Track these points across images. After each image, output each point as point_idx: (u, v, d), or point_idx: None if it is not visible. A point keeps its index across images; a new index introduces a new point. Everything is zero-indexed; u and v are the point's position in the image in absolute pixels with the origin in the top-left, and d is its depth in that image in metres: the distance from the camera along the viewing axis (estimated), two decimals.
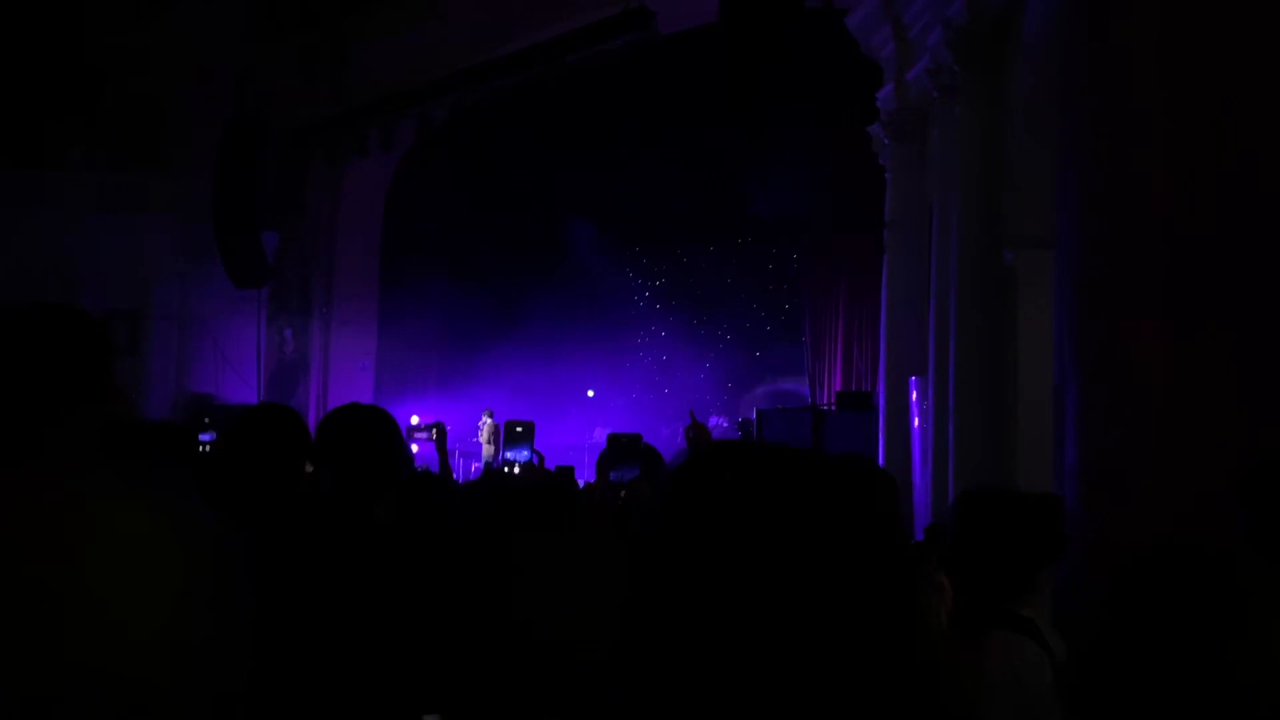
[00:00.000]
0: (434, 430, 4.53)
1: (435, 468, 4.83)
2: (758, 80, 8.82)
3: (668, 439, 17.67)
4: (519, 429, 14.16)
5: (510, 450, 13.67)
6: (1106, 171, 4.37)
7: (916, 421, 11.02)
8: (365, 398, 16.06)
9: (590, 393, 20.76)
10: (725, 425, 18.58)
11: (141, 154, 17.55)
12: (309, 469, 2.65)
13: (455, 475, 15.23)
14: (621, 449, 3.21)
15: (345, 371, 18.21)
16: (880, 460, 11.79)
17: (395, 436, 2.45)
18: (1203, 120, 4.15)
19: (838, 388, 15.42)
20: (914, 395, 11.10)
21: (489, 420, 16.64)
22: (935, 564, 6.57)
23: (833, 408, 13.72)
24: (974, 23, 9.38)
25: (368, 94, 15.62)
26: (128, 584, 1.21)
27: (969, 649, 2.28)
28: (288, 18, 17.25)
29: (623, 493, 3.17)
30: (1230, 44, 4.10)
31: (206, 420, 8.33)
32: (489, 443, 16.39)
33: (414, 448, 12.75)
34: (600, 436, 18.36)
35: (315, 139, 16.29)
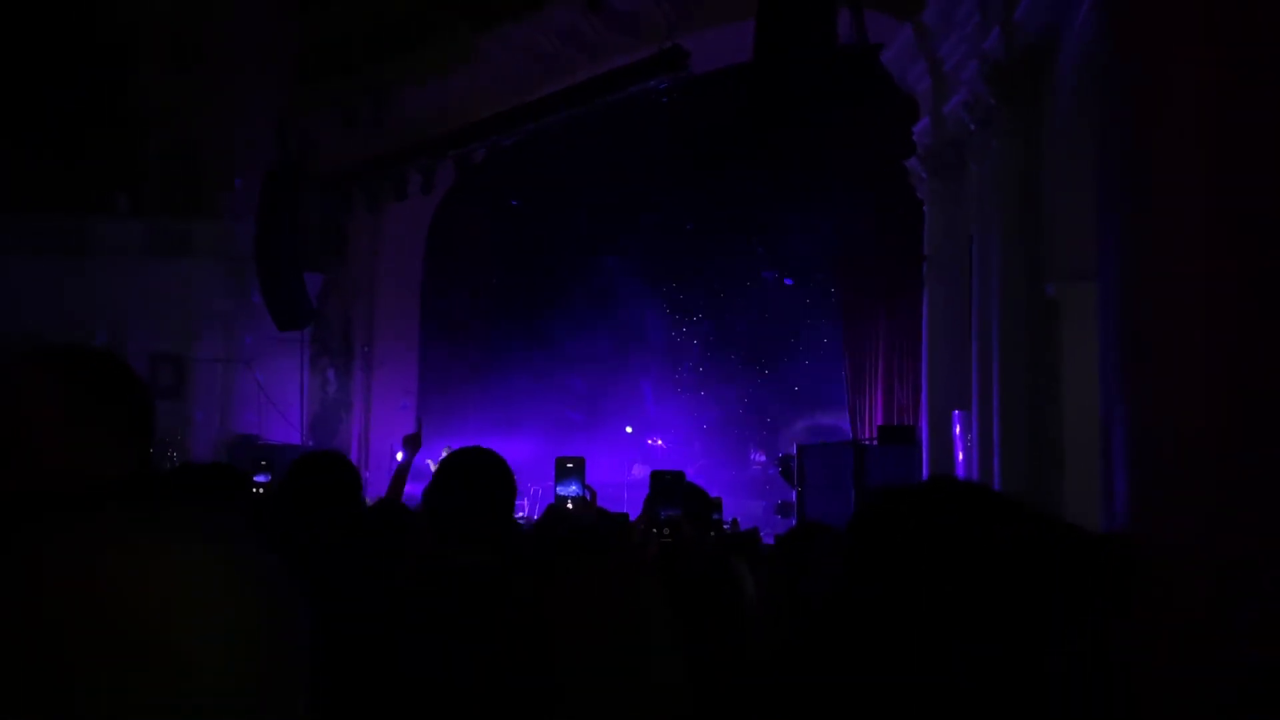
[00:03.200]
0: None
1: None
2: (792, 117, 8.86)
3: (706, 474, 17.60)
4: (569, 464, 14.13)
5: (561, 486, 13.63)
6: (1147, 201, 4.33)
7: (960, 456, 10.89)
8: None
9: (629, 429, 20.75)
10: (764, 461, 18.47)
11: (187, 200, 17.92)
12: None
13: (524, 511, 15.19)
14: (665, 487, 3.18)
15: (387, 411, 18.36)
16: None
17: (506, 483, 2.42)
18: (1247, 147, 4.11)
19: (879, 422, 15.30)
20: (957, 429, 10.98)
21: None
22: None
23: (874, 442, 13.59)
24: (1010, 56, 9.37)
25: (407, 137, 15.86)
26: (202, 624, 1.23)
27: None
28: (327, 64, 17.60)
29: (666, 531, 3.15)
30: (1276, 71, 4.06)
31: (263, 463, 8.38)
32: None
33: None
34: (639, 474, 18.32)
35: (356, 182, 16.56)
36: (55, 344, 1.57)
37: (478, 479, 2.34)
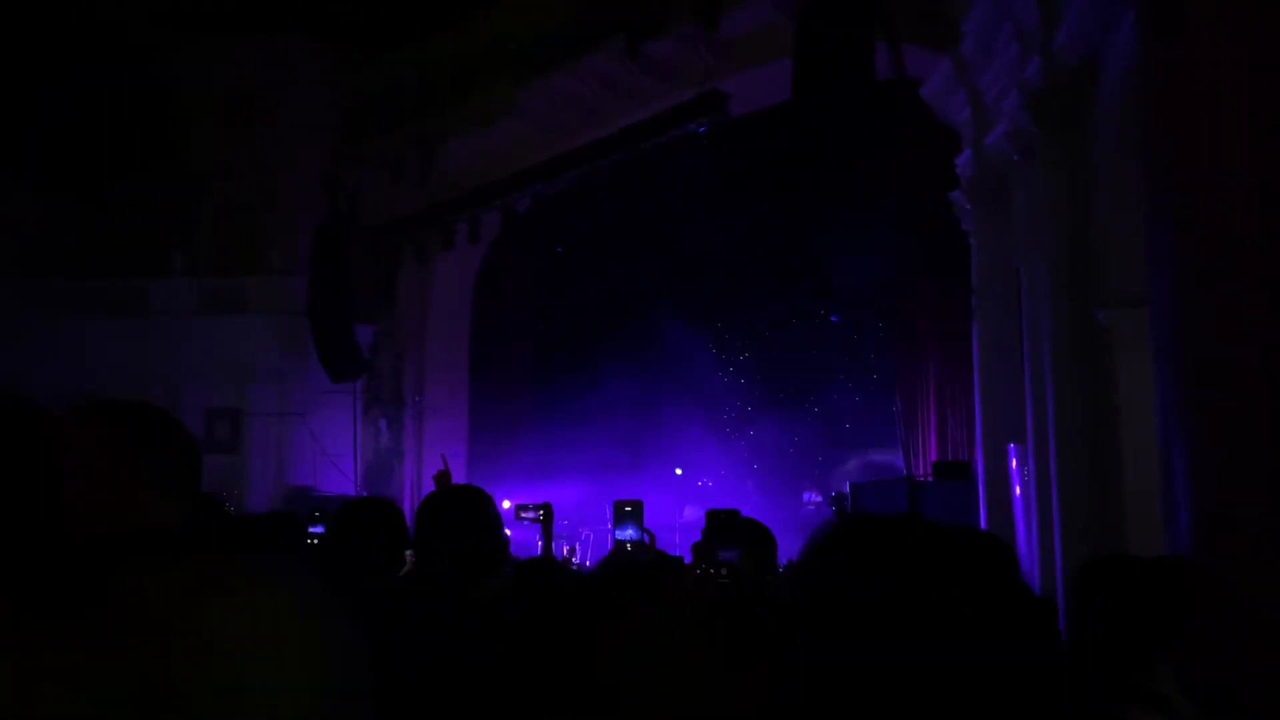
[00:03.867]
0: (541, 510, 4.52)
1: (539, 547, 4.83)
2: (833, 155, 8.89)
3: (759, 515, 17.44)
4: (628, 508, 14.07)
5: (619, 530, 13.56)
6: (1196, 224, 4.28)
7: (1018, 490, 10.71)
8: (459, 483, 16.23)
9: (678, 471, 20.68)
10: (819, 500, 18.30)
11: (240, 257, 18.33)
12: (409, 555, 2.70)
13: (579, 556, 15.14)
14: (721, 526, 3.17)
15: (438, 459, 18.48)
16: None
17: (487, 514, 2.48)
18: None
19: (933, 458, 15.11)
20: (1014, 463, 10.81)
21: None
22: None
23: (930, 478, 13.42)
24: (1051, 84, 9.33)
25: (453, 189, 16.13)
26: (276, 662, 1.31)
27: None
28: (374, 121, 17.99)
29: (724, 571, 3.13)
30: None
31: (317, 514, 8.48)
32: None
33: (508, 530, 12.76)
34: (691, 516, 18.23)
35: (404, 234, 16.84)
36: (99, 400, 1.65)
37: (456, 514, 2.38)
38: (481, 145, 16.48)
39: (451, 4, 16.66)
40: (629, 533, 14.20)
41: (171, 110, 18.75)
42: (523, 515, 13.74)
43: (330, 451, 17.51)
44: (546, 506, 4.84)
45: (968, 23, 10.93)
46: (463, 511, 2.44)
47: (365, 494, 16.74)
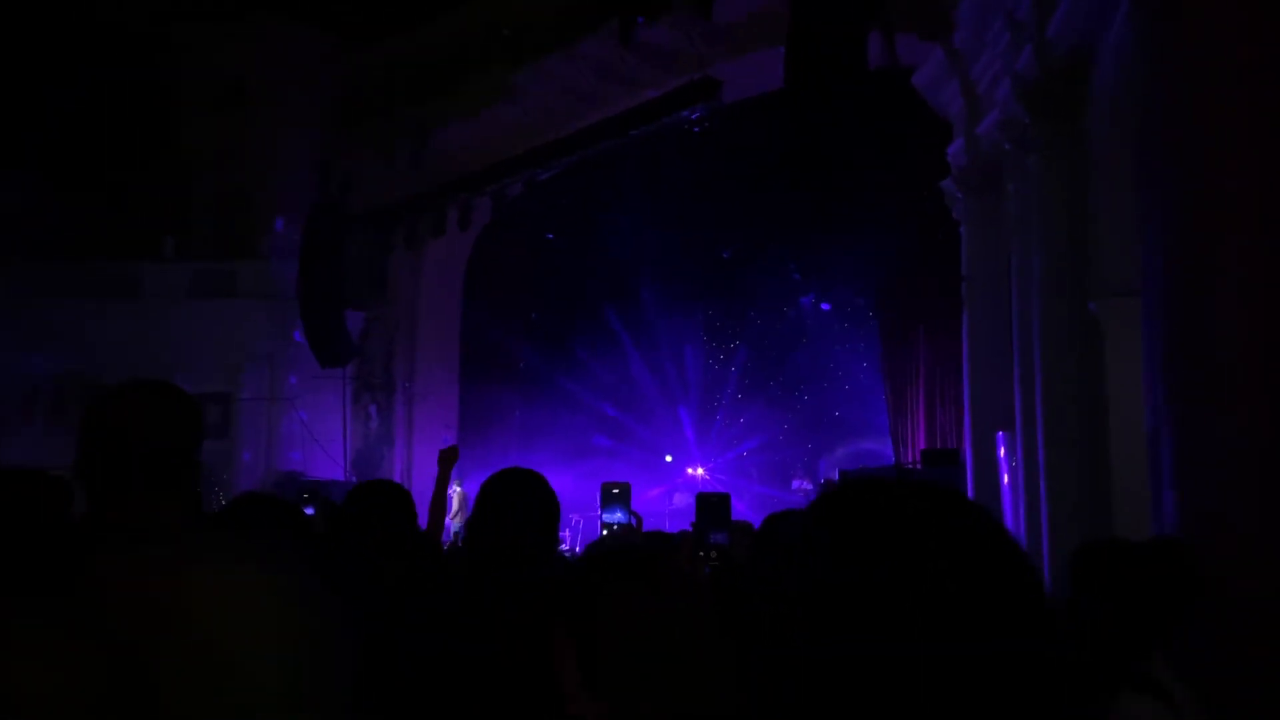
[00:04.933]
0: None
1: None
2: (825, 143, 8.89)
3: (749, 502, 17.52)
4: (615, 490, 13.95)
5: (606, 512, 13.46)
6: (1189, 214, 4.30)
7: (1006, 478, 10.77)
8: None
9: (669, 458, 20.73)
10: (809, 488, 18.36)
11: (231, 241, 18.27)
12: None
13: (566, 543, 15.08)
14: (712, 509, 3.18)
15: (428, 445, 18.49)
16: None
17: (549, 499, 2.45)
18: None
19: (921, 446, 15.17)
20: (1002, 451, 10.87)
21: (459, 489, 15.37)
22: None
23: (918, 466, 13.48)
24: (1044, 74, 9.35)
25: (445, 175, 16.08)
26: (256, 638, 1.34)
27: (1094, 713, 2.15)
28: (367, 106, 17.92)
29: (714, 554, 3.15)
30: None
31: (306, 496, 8.52)
32: (456, 515, 14.86)
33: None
34: (680, 502, 18.28)
35: (396, 220, 16.79)
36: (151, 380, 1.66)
37: (523, 498, 2.37)
38: (474, 131, 16.44)
39: None
40: (617, 515, 14.23)
41: (165, 95, 18.66)
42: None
43: (320, 437, 17.50)
44: (450, 450, 4.79)
45: (960, 11, 10.93)
46: (527, 495, 2.41)
47: (355, 480, 16.75)
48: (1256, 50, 4.08)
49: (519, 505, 2.35)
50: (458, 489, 15.25)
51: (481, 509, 2.41)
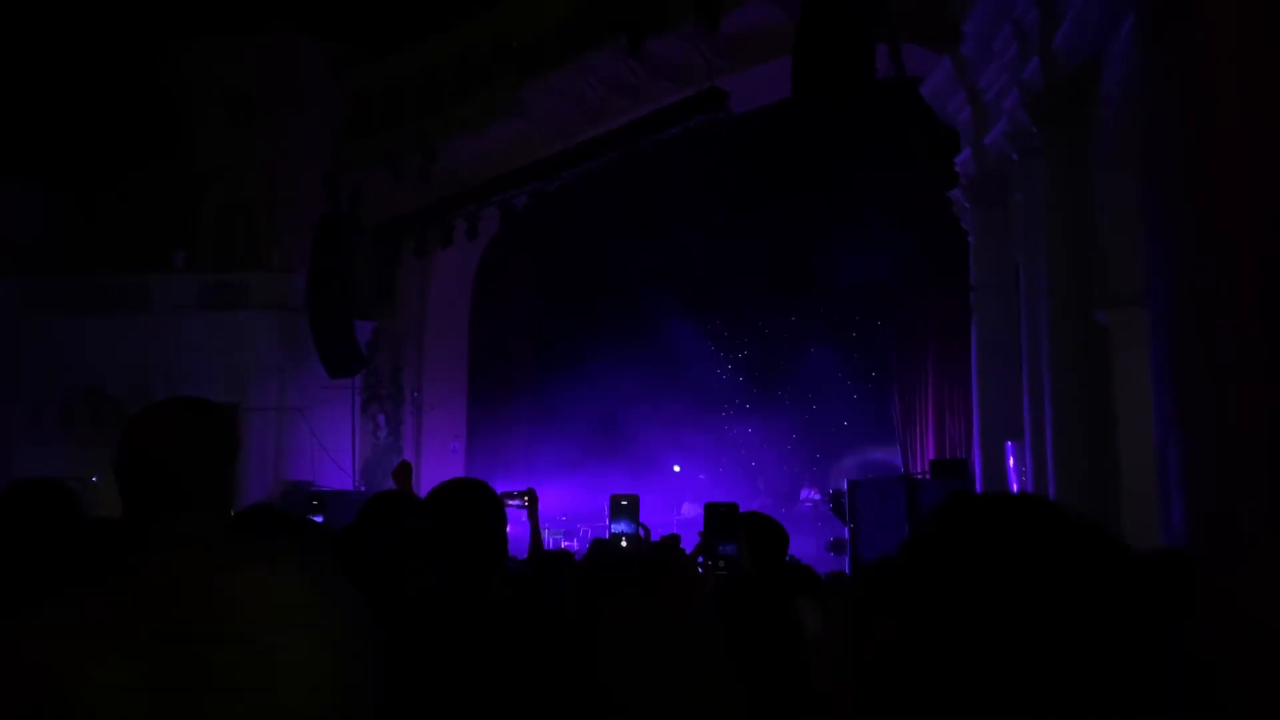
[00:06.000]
0: (525, 496, 4.49)
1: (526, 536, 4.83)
2: (833, 153, 8.91)
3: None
4: (624, 502, 14.09)
5: (615, 524, 13.56)
6: (1195, 223, 4.31)
7: (1015, 487, 10.76)
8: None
9: (676, 468, 20.71)
10: (817, 497, 18.33)
11: (241, 254, 18.36)
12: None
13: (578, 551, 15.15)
14: (720, 519, 3.18)
15: (437, 454, 18.52)
16: None
17: (498, 511, 2.50)
18: None
19: (930, 455, 15.15)
20: (1011, 460, 10.85)
21: None
22: None
23: (927, 476, 13.45)
24: (1050, 84, 9.37)
25: (453, 186, 16.13)
26: (297, 639, 1.45)
27: None
28: (375, 118, 18.01)
29: (723, 564, 3.15)
30: None
31: (315, 503, 8.55)
32: None
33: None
34: (689, 512, 18.26)
35: (404, 231, 16.85)
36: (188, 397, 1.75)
37: (464, 510, 2.40)
38: (482, 143, 16.50)
39: (453, 2, 16.68)
40: (623, 527, 14.26)
41: (174, 108, 18.78)
42: (508, 502, 13.77)
43: (329, 447, 17.54)
44: (530, 492, 4.82)
45: (968, 23, 10.96)
46: (466, 504, 2.46)
47: (364, 489, 16.78)
48: (1261, 62, 4.09)
49: (460, 516, 2.38)
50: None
51: (433, 522, 2.46)
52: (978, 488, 11.70)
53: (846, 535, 12.82)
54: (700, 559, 3.17)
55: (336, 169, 17.36)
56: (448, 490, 2.49)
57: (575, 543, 16.23)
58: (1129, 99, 7.40)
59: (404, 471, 4.36)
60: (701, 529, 3.17)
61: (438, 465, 18.08)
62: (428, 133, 16.34)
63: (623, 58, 13.94)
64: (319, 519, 7.39)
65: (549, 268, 19.37)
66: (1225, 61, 4.21)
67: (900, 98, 12.29)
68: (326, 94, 18.44)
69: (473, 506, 2.43)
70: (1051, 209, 9.32)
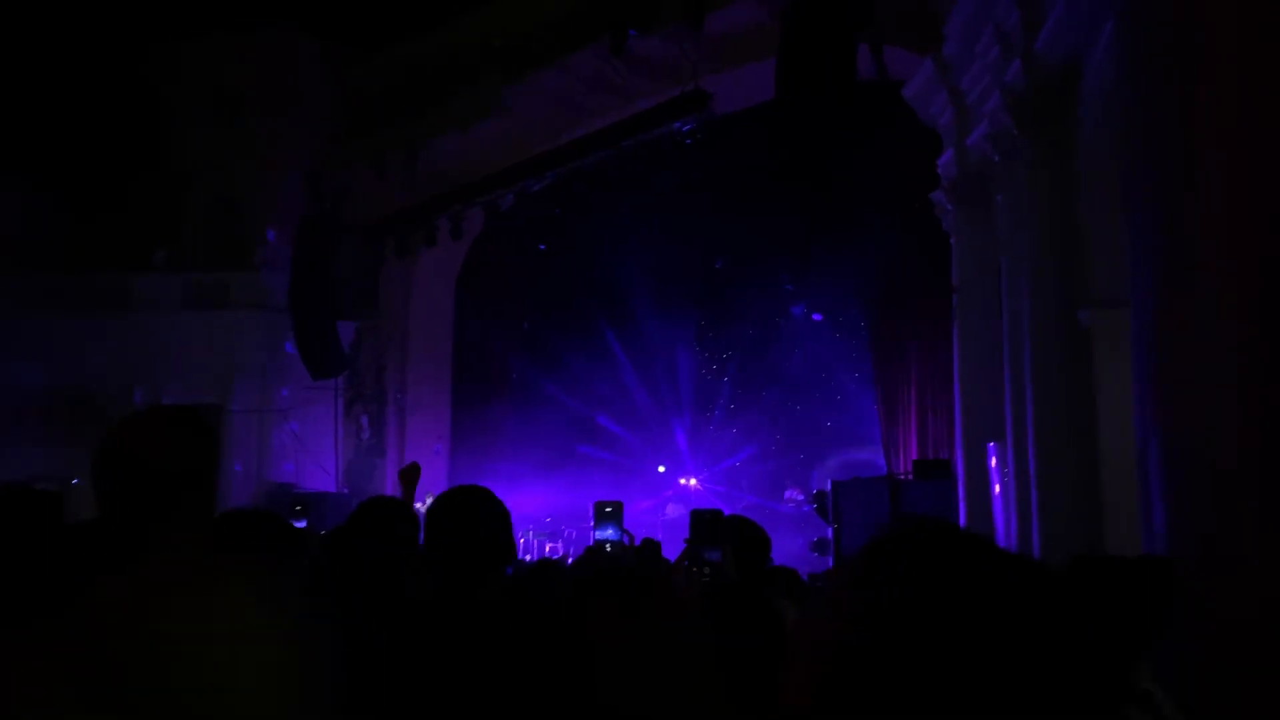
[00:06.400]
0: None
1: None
2: (817, 154, 8.93)
3: (742, 513, 17.47)
4: (608, 509, 14.13)
5: (599, 530, 13.57)
6: (1177, 225, 4.33)
7: (998, 488, 10.80)
8: (440, 482, 16.25)
9: (661, 468, 20.72)
10: (800, 498, 18.38)
11: (223, 253, 18.25)
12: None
13: (559, 554, 15.11)
14: (705, 526, 3.19)
15: (421, 456, 18.45)
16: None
17: (502, 520, 2.50)
18: (1275, 166, 4.11)
19: (913, 456, 15.20)
20: (993, 461, 10.90)
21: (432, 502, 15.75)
22: None
23: (910, 477, 13.51)
24: (1032, 86, 9.41)
25: (437, 186, 16.09)
26: (244, 665, 1.40)
27: None
28: (359, 118, 17.94)
29: (706, 570, 3.16)
30: None
31: (298, 508, 8.52)
32: None
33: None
34: (674, 513, 18.27)
35: (388, 230, 16.80)
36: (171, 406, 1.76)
37: (469, 516, 2.40)
38: (466, 142, 16.46)
39: (438, 2, 16.63)
40: (609, 533, 14.28)
41: (157, 105, 18.65)
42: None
43: (312, 449, 17.46)
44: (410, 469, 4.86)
45: (949, 24, 10.99)
46: (470, 510, 2.46)
47: (346, 492, 16.72)
48: (1240, 66, 4.12)
49: (467, 524, 2.38)
50: (431, 500, 15.32)
51: (431, 531, 2.47)
52: (960, 487, 11.75)
53: (830, 535, 12.87)
54: (686, 563, 3.17)
55: (320, 167, 17.28)
56: (451, 497, 2.50)
57: (560, 544, 16.22)
58: (1110, 101, 7.44)
59: (413, 473, 4.33)
60: (687, 535, 3.19)
61: (422, 467, 18.00)
62: (412, 131, 16.30)
63: (606, 58, 13.94)
64: (302, 524, 7.36)
65: (534, 267, 19.34)
66: (1206, 64, 4.24)
67: (883, 100, 12.32)
68: (311, 92, 18.34)
69: (467, 512, 2.43)
70: (1033, 210, 9.36)
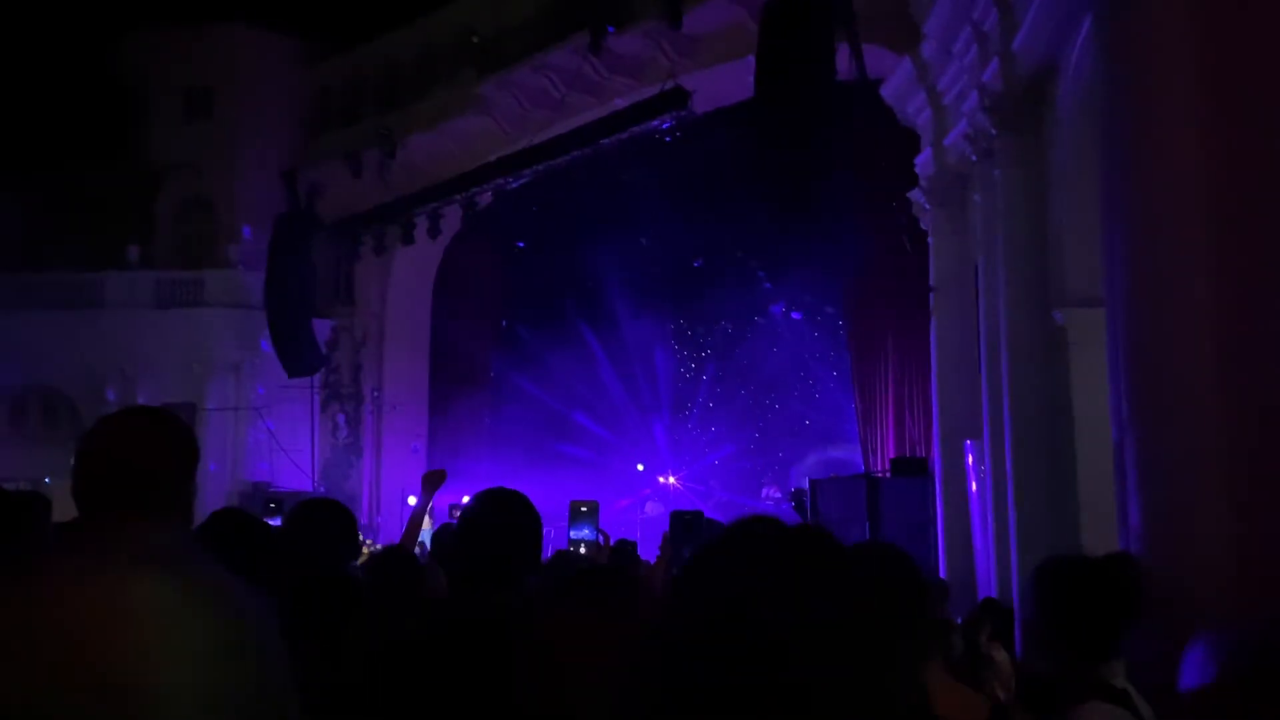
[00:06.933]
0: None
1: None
2: (795, 153, 8.93)
3: (719, 511, 17.52)
4: (583, 508, 14.07)
5: (574, 530, 13.53)
6: (1151, 226, 4.35)
7: (974, 486, 10.85)
8: (417, 480, 16.18)
9: (640, 466, 20.72)
10: (779, 496, 18.41)
11: (196, 250, 18.10)
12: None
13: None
14: (685, 526, 3.19)
15: (397, 455, 18.37)
16: (939, 528, 11.59)
17: (528, 520, 2.47)
18: (1249, 167, 4.13)
19: (891, 454, 15.24)
20: (970, 459, 10.94)
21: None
22: (989, 636, 6.44)
23: (887, 475, 13.55)
24: (1009, 86, 9.44)
25: (414, 183, 16.00)
26: (179, 665, 1.40)
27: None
28: (334, 114, 17.82)
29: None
30: (1273, 95, 4.10)
31: (272, 505, 8.46)
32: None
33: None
34: (652, 511, 18.27)
35: (364, 228, 16.68)
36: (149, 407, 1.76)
37: (505, 521, 2.38)
38: (442, 139, 16.38)
39: None
40: (584, 533, 14.26)
41: (130, 101, 18.47)
42: (455, 514, 13.78)
43: (287, 447, 17.34)
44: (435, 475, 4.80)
45: (928, 24, 11.03)
46: (502, 517, 2.42)
47: (323, 490, 16.61)
48: (1215, 66, 4.14)
49: (501, 527, 2.35)
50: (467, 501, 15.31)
51: (465, 530, 2.43)
52: (937, 485, 11.79)
53: None
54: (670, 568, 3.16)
55: (295, 164, 17.15)
56: (492, 500, 2.46)
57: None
58: (1087, 101, 7.48)
59: (438, 479, 4.20)
60: (665, 536, 3.17)
61: (399, 465, 17.94)
62: (387, 128, 16.20)
63: (584, 55, 13.90)
64: (277, 521, 7.28)
65: (512, 265, 19.27)
66: (1182, 64, 4.26)
67: (862, 99, 12.33)
68: (286, 88, 18.22)
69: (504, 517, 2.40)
70: (1010, 210, 9.40)
